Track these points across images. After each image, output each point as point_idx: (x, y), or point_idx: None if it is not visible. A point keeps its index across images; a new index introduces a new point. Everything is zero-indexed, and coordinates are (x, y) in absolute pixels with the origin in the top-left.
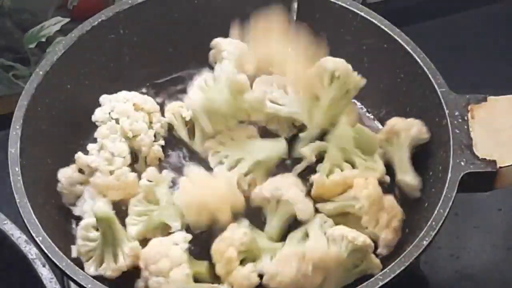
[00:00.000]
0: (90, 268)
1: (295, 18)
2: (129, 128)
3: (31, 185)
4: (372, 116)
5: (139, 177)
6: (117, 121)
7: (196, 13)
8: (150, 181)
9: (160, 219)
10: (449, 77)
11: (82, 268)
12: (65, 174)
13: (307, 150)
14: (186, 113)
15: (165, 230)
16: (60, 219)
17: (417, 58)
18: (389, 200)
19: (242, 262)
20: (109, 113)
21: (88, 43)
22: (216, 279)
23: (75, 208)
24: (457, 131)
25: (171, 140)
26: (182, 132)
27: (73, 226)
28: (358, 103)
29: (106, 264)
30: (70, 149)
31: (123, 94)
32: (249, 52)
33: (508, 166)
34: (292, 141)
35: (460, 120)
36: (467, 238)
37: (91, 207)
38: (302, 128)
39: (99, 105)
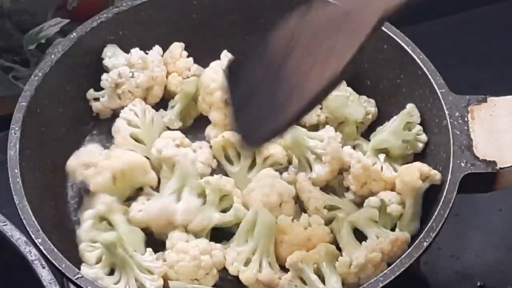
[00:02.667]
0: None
1: None
2: None
3: (30, 186)
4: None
5: None
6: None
7: (195, 14)
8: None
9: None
10: (449, 78)
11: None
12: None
13: None
14: None
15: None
16: (59, 220)
17: (417, 58)
18: None
19: None
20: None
21: (87, 44)
22: None
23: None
24: (457, 132)
25: None
26: None
27: (73, 228)
28: None
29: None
30: (69, 151)
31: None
32: None
33: (509, 167)
34: None
35: (460, 121)
36: (467, 238)
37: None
38: None
39: None
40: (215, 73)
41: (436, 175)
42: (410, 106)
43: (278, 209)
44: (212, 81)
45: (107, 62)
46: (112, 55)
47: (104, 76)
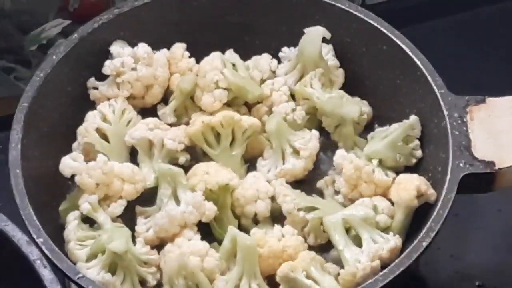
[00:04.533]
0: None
1: None
2: None
3: (32, 187)
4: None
5: None
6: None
7: (196, 15)
8: None
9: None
10: (448, 79)
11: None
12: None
13: None
14: None
15: None
16: (61, 220)
17: (416, 59)
18: None
19: None
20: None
21: (88, 45)
22: None
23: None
24: (456, 133)
25: None
26: None
27: None
28: None
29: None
30: (70, 151)
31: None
32: None
33: (507, 167)
34: None
35: (459, 122)
36: (467, 239)
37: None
38: None
39: None
40: (213, 61)
41: (432, 195)
42: (413, 119)
43: (254, 205)
44: (210, 66)
45: (113, 49)
46: (120, 47)
47: (107, 63)
